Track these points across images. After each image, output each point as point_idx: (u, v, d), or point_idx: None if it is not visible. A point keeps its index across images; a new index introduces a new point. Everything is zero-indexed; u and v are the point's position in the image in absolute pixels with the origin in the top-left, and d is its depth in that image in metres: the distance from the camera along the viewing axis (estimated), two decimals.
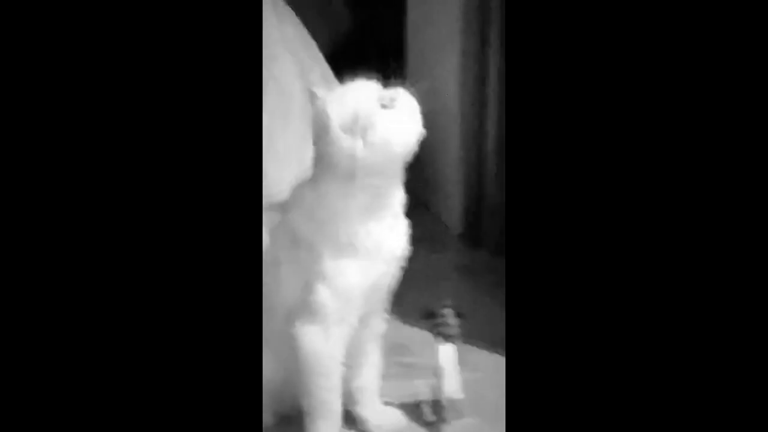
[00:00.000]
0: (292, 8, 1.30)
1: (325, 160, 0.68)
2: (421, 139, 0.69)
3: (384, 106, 0.65)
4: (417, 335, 0.95)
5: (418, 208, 1.40)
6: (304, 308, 0.69)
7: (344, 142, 0.64)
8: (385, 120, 0.65)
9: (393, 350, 0.90)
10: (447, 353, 0.78)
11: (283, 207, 0.74)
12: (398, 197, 0.71)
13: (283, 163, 1.03)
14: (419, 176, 1.42)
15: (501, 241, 1.23)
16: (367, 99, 0.66)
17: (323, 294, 0.68)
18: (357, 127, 0.65)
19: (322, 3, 1.63)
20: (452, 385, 0.78)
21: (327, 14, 1.64)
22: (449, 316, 0.80)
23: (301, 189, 0.72)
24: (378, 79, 0.70)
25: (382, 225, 0.69)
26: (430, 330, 0.83)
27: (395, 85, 0.69)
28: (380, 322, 0.76)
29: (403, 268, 0.74)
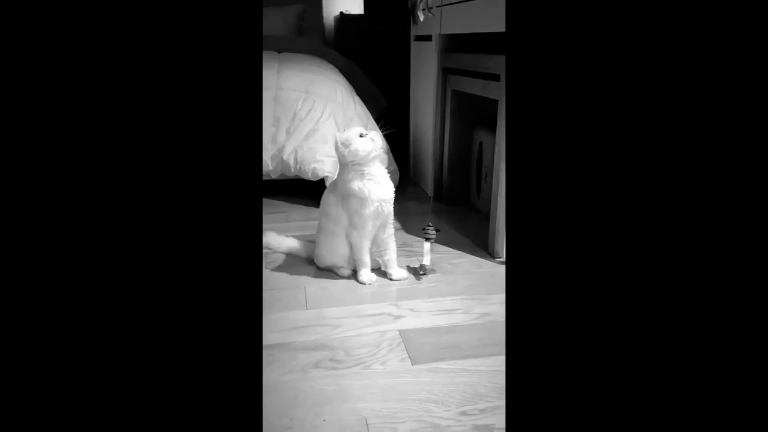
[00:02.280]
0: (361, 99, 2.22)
1: (339, 159, 1.35)
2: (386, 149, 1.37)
3: (361, 136, 1.31)
4: (416, 239, 1.73)
5: (416, 186, 2.32)
6: (349, 224, 1.37)
7: (340, 149, 1.31)
8: (357, 142, 1.30)
9: (404, 245, 1.67)
10: (427, 246, 1.44)
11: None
12: (378, 173, 1.32)
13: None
14: (417, 171, 2.37)
15: (449, 199, 2.08)
16: (353, 133, 1.31)
17: (353, 217, 1.35)
18: (346, 142, 1.30)
19: (374, 97, 2.52)
20: (427, 260, 1.43)
21: (376, 99, 2.52)
22: (430, 229, 1.44)
23: (338, 174, 1.40)
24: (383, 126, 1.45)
25: (369, 184, 1.30)
26: (422, 236, 1.50)
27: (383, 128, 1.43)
28: (390, 230, 1.40)
29: (393, 205, 1.36)
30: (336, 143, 1.34)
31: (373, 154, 1.32)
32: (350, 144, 1.31)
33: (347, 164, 1.33)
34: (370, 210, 1.33)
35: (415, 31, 2.31)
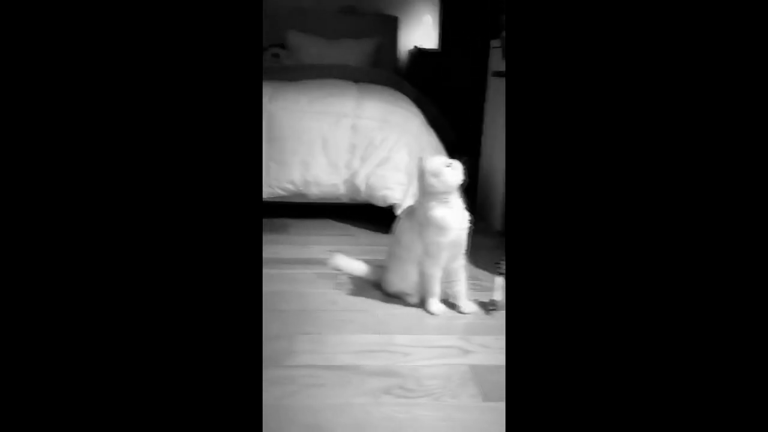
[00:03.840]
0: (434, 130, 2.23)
1: (423, 188, 1.36)
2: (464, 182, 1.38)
3: (448, 166, 1.33)
4: (484, 273, 1.71)
5: (482, 219, 2.31)
6: (425, 252, 1.38)
7: (431, 179, 1.33)
8: (446, 172, 1.32)
9: (472, 278, 1.63)
10: (499, 281, 1.45)
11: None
12: (456, 202, 1.35)
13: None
14: (486, 205, 2.32)
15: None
16: (441, 162, 1.34)
17: (430, 246, 1.35)
18: (436, 172, 1.32)
19: (443, 129, 2.57)
20: (498, 295, 1.44)
21: (444, 130, 2.57)
22: (503, 265, 1.46)
23: (417, 202, 1.43)
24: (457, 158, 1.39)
25: (449, 212, 1.33)
26: (494, 271, 1.56)
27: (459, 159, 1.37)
28: (461, 260, 1.41)
29: (468, 235, 1.37)
30: (423, 172, 1.35)
31: (458, 184, 1.35)
32: (440, 174, 1.33)
33: (433, 193, 1.34)
34: (448, 239, 1.34)
35: (493, 67, 2.33)
